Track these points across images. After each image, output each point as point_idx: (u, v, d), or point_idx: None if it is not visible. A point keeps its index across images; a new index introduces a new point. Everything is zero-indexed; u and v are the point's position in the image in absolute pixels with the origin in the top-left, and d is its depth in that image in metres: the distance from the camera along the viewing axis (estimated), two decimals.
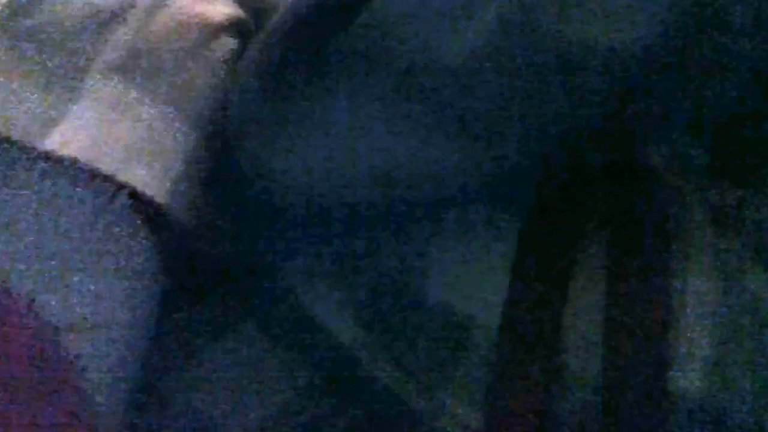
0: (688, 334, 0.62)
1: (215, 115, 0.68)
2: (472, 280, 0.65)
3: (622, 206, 0.64)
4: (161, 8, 0.68)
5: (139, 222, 0.64)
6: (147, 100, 0.66)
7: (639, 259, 0.63)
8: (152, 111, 0.66)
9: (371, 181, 0.63)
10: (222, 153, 0.67)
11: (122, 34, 0.67)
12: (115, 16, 0.67)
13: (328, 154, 0.63)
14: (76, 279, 0.62)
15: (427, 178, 0.63)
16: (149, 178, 0.64)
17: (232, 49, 0.69)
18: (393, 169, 0.63)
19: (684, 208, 0.63)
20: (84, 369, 0.60)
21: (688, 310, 0.62)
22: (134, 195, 0.64)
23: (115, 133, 0.65)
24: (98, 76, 0.66)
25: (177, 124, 0.66)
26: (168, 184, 0.65)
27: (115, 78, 0.66)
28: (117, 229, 0.64)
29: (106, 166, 0.64)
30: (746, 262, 0.63)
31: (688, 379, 0.62)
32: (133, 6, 0.68)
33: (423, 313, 0.64)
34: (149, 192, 0.64)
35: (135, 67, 0.67)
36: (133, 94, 0.66)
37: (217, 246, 0.70)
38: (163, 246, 0.66)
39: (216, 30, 0.69)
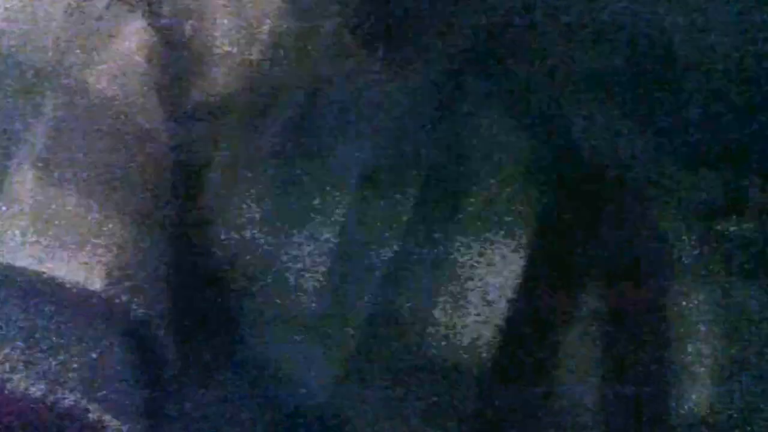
0: (688, 352, 0.62)
1: (155, 199, 0.69)
2: None
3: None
4: (76, 94, 0.69)
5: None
6: (66, 193, 0.68)
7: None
8: (73, 203, 0.67)
9: None
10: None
11: (40, 129, 0.69)
12: (35, 109, 0.69)
13: None
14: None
15: None
16: (75, 269, 0.66)
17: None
18: None
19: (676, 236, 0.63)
20: None
21: (684, 328, 0.62)
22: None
23: (31, 228, 0.67)
24: (17, 174, 0.68)
25: (104, 214, 0.68)
26: (101, 272, 0.66)
27: (34, 174, 0.68)
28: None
29: (20, 260, 0.66)
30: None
31: (691, 399, 0.62)
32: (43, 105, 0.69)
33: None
34: (77, 281, 0.66)
35: (54, 160, 0.68)
36: (52, 189, 0.68)
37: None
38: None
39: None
